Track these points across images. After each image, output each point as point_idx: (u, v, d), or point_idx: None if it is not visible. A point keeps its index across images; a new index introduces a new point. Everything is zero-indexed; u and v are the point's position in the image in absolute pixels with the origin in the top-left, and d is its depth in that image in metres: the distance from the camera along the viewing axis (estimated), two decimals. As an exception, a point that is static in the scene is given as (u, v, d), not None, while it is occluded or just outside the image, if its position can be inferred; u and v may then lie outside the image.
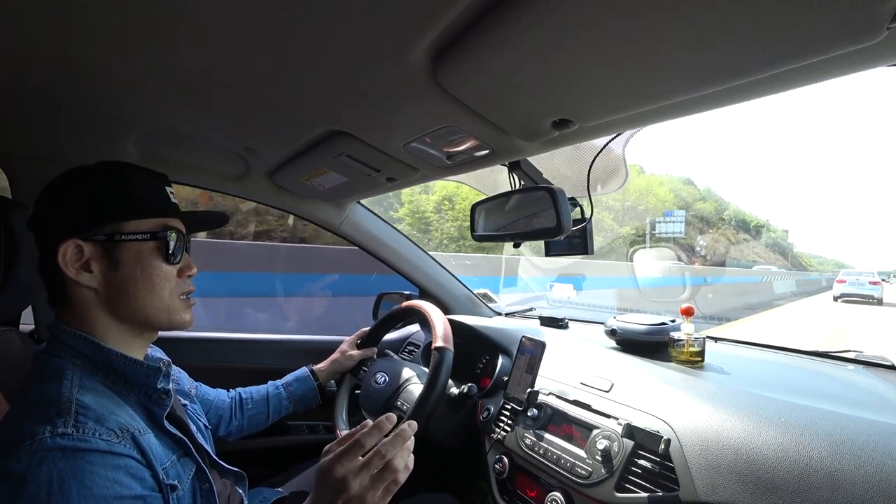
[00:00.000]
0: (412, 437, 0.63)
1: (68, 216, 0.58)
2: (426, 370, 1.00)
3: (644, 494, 0.69)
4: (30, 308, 0.97)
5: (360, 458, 0.57)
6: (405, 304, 1.18)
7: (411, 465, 0.61)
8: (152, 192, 0.63)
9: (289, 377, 1.10)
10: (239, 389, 1.04)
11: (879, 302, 14.94)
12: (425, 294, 1.53)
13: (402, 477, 0.59)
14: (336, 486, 0.55)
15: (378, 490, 0.57)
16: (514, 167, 0.88)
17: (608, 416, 0.82)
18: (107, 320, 0.60)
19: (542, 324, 1.41)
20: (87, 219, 0.58)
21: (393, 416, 0.62)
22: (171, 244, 0.63)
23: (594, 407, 0.86)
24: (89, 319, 0.59)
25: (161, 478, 0.53)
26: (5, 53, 0.58)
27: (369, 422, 0.62)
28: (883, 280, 17.07)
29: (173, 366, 0.74)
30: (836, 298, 15.76)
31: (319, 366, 1.14)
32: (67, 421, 0.48)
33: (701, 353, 0.99)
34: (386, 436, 0.61)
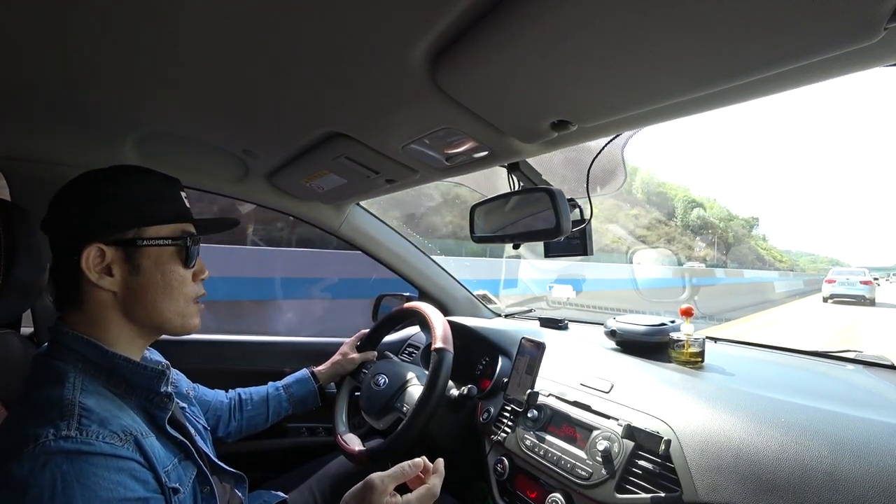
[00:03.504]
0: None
1: (91, 220, 0.58)
2: (426, 372, 1.00)
3: (645, 495, 0.69)
4: (29, 311, 0.97)
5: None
6: (405, 305, 1.18)
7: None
8: (170, 197, 0.64)
9: (289, 378, 1.10)
10: (238, 390, 1.04)
11: (872, 302, 14.58)
12: (425, 296, 1.53)
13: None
14: None
15: None
16: (513, 168, 0.88)
17: (608, 417, 0.82)
18: (119, 323, 0.60)
19: (541, 325, 1.40)
20: (112, 223, 0.59)
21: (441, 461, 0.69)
22: (189, 248, 0.64)
23: (594, 408, 0.86)
24: (102, 322, 0.59)
25: (163, 481, 0.53)
26: (4, 55, 0.58)
27: (428, 463, 0.68)
28: (875, 279, 16.63)
29: (171, 368, 0.74)
30: (825, 300, 15.45)
31: (320, 368, 1.14)
32: (70, 423, 0.48)
33: (701, 354, 0.99)
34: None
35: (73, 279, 0.58)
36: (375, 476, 0.62)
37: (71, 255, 0.57)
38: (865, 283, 14.91)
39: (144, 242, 0.60)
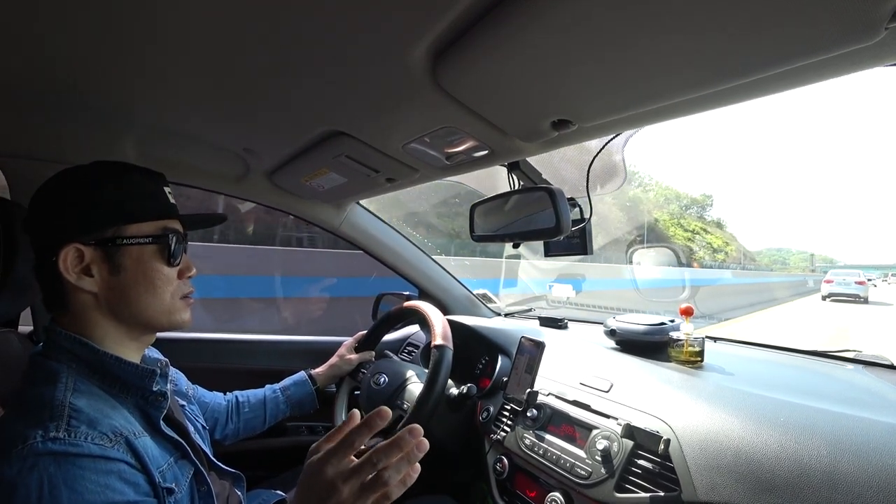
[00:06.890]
0: (417, 449, 0.51)
1: (69, 220, 0.57)
2: (426, 370, 1.00)
3: (644, 495, 0.69)
4: (28, 309, 0.97)
5: (354, 458, 0.49)
6: (404, 304, 1.18)
7: (410, 481, 0.50)
8: (152, 193, 0.63)
9: (287, 381, 1.09)
10: (236, 393, 1.04)
11: (865, 300, 15.70)
12: (424, 295, 1.53)
13: (395, 493, 0.48)
14: (324, 491, 0.47)
15: (366, 502, 0.47)
16: (513, 168, 0.88)
17: (608, 417, 0.82)
18: (106, 323, 0.59)
19: (541, 324, 1.40)
20: (89, 223, 0.57)
21: (387, 411, 0.51)
22: (172, 246, 0.62)
23: (594, 407, 0.86)
24: (88, 323, 0.58)
25: (157, 481, 0.53)
26: (4, 54, 0.58)
27: (356, 413, 0.53)
28: (868, 280, 18.14)
29: (171, 367, 0.74)
30: (824, 298, 16.64)
31: (318, 370, 1.13)
32: (60, 425, 0.48)
33: (700, 353, 0.99)
34: (383, 434, 0.51)
35: (54, 280, 0.56)
36: (311, 458, 0.51)
37: (49, 255, 0.55)
38: (860, 283, 16.28)
39: (124, 241, 0.58)
